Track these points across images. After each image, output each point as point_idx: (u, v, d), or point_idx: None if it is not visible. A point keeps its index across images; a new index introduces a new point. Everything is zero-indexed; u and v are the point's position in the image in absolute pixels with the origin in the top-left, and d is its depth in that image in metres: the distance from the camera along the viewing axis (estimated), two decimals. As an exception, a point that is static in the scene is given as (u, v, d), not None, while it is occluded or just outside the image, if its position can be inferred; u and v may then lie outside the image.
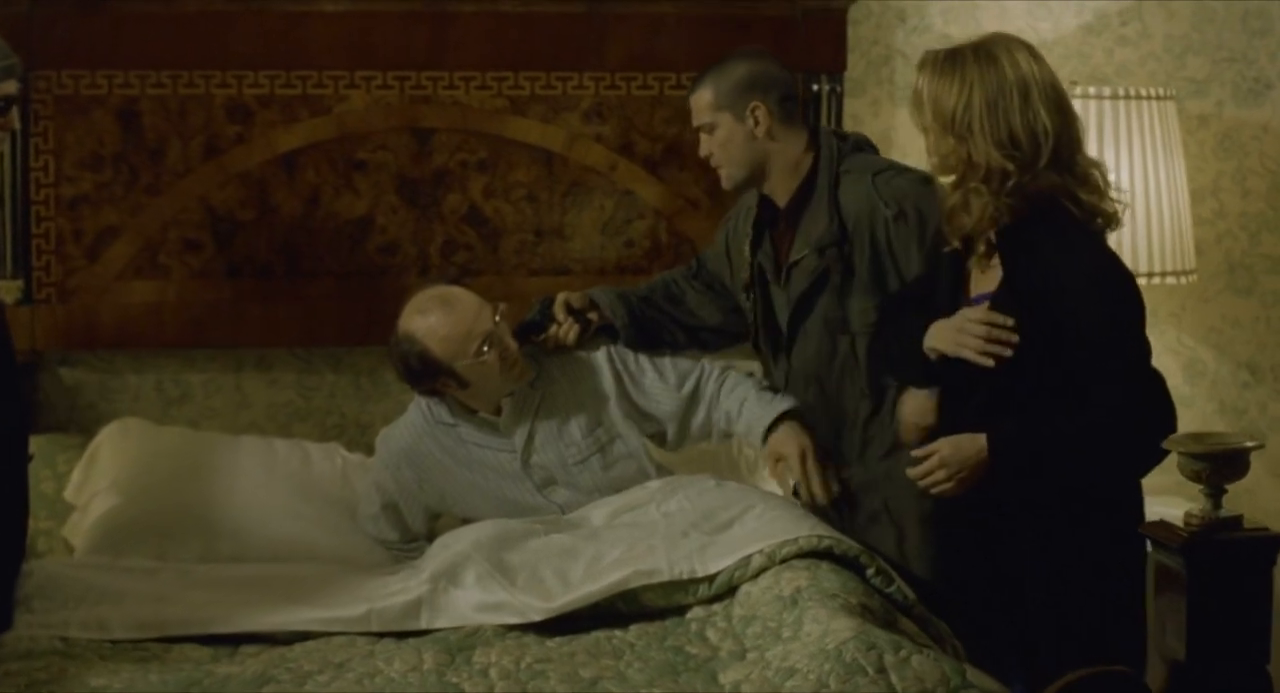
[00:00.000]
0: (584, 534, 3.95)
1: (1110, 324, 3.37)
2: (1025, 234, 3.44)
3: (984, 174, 3.42)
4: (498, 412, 4.08)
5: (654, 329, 4.25)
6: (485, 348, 3.96)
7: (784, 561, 3.70)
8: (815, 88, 4.77)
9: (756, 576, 3.69)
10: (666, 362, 4.20)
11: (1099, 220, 3.46)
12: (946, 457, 3.51)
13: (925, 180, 3.93)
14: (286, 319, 4.72)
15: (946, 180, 3.55)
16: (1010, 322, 3.40)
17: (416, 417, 4.15)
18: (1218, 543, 3.16)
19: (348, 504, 4.36)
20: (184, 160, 4.67)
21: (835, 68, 4.80)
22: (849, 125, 4.81)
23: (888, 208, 3.93)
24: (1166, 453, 3.38)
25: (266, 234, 4.71)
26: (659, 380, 4.16)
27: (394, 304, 4.65)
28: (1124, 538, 3.49)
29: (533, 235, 4.80)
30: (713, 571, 3.72)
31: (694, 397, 4.16)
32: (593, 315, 4.22)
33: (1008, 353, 3.42)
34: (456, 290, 4.08)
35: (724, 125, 4.06)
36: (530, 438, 4.10)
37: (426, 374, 4.01)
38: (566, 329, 4.17)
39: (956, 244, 3.52)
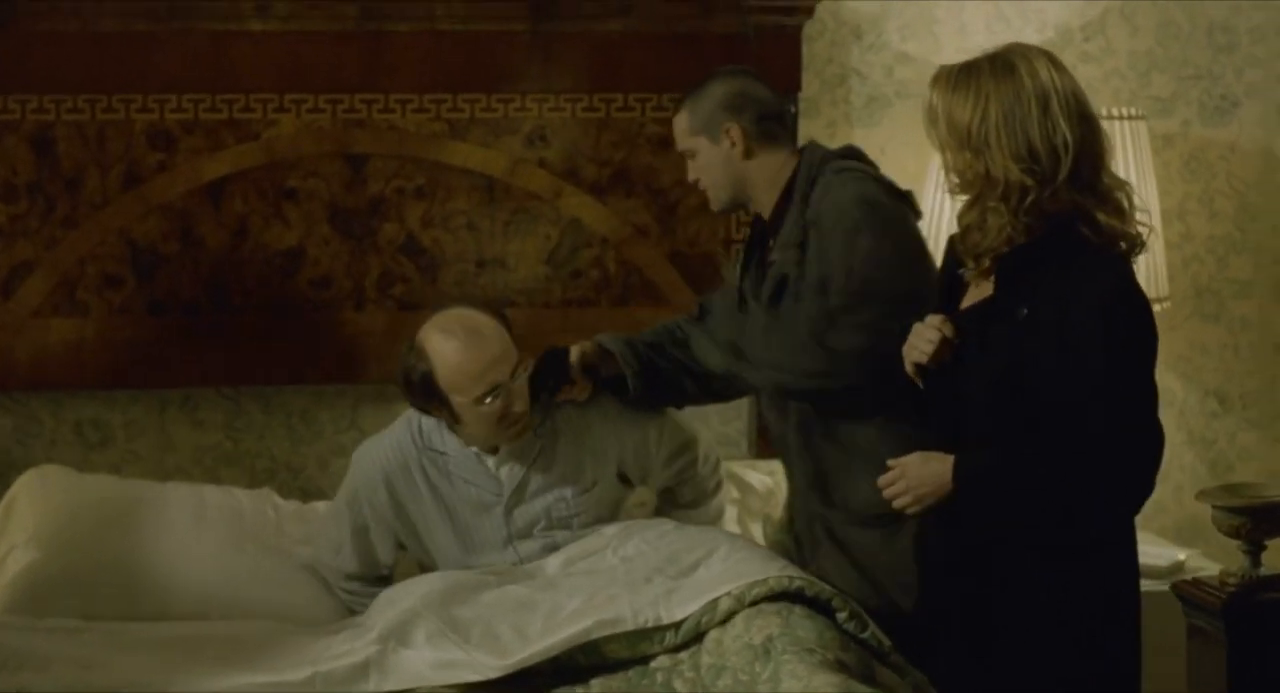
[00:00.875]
0: (539, 585, 3.76)
1: (1104, 364, 3.22)
2: (1028, 255, 3.30)
3: (1002, 190, 3.26)
4: (494, 450, 3.87)
5: (664, 379, 4.04)
6: (489, 399, 3.74)
7: (754, 603, 3.53)
8: (769, 108, 4.63)
9: (725, 620, 3.53)
10: (666, 431, 4.05)
11: (1121, 245, 3.31)
12: (911, 473, 3.35)
13: (864, 201, 3.82)
14: (213, 358, 4.52)
15: (962, 199, 3.39)
16: (953, 337, 3.30)
17: (404, 436, 3.92)
18: (1261, 604, 2.95)
19: (284, 555, 4.14)
20: (103, 190, 4.45)
21: (790, 87, 4.63)
22: (803, 148, 4.69)
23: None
24: (1134, 509, 3.26)
25: (191, 268, 4.50)
26: (654, 452, 4.03)
27: (327, 340, 4.53)
28: (1113, 583, 3.33)
29: (474, 266, 4.61)
30: (679, 616, 3.55)
31: (679, 483, 4.11)
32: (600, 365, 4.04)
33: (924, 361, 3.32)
34: (491, 325, 3.81)
35: (702, 149, 3.98)
36: (522, 486, 3.89)
37: (422, 394, 3.80)
38: (580, 390, 3.98)
39: (971, 264, 3.35)
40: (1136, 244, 3.29)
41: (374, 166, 4.54)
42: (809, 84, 4.71)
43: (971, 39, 4.80)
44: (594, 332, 4.54)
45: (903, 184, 4.70)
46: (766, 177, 3.95)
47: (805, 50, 4.67)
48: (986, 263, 3.30)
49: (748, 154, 3.95)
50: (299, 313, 4.55)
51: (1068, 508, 3.23)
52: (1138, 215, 3.29)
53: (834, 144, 4.69)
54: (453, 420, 3.81)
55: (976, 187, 3.29)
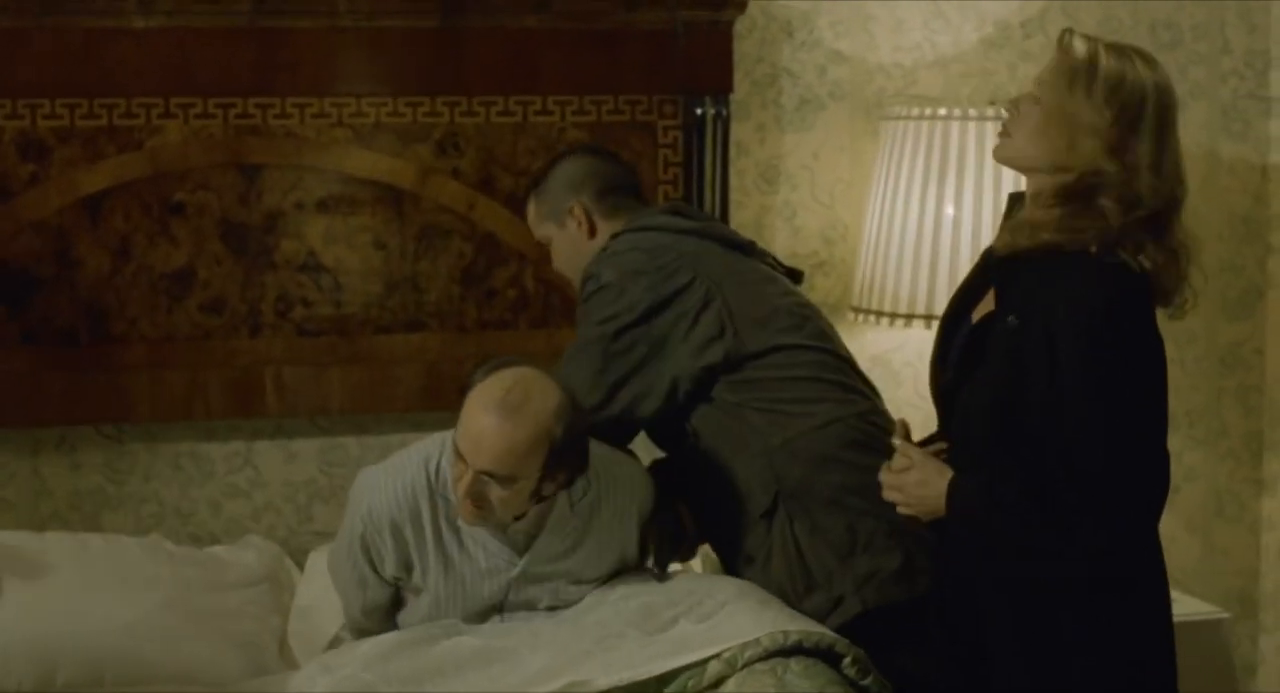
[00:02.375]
0: (494, 632, 3.45)
1: (1083, 388, 2.98)
2: (1022, 261, 3.08)
3: (1118, 193, 3.04)
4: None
5: None
6: (455, 459, 3.32)
7: (745, 666, 3.25)
8: (699, 111, 4.34)
9: (715, 684, 3.24)
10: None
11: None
12: (910, 490, 3.13)
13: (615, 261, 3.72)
14: (93, 392, 4.14)
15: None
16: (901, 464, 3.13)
17: (418, 476, 3.46)
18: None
19: (184, 608, 3.82)
20: (-34, 206, 4.07)
21: (721, 88, 4.38)
22: (732, 154, 4.44)
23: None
24: (1127, 544, 3.02)
25: (68, 293, 4.11)
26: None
27: (219, 371, 4.17)
28: (1140, 630, 3.12)
29: (381, 287, 4.27)
30: (656, 672, 3.24)
31: None
32: None
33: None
34: (538, 433, 3.28)
35: (554, 236, 3.90)
36: (541, 563, 3.49)
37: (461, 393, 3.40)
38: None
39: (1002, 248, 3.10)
40: (1169, 300, 3.10)
41: (270, 178, 4.19)
42: (737, 85, 4.43)
43: (908, 36, 4.60)
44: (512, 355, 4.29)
45: (836, 190, 4.54)
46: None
47: (734, 49, 4.40)
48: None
49: (592, 232, 3.84)
50: (188, 342, 4.18)
51: (1056, 545, 3.01)
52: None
53: (764, 149, 4.50)
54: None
55: (1085, 178, 3.03)
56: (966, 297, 3.26)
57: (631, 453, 3.71)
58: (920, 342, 4.59)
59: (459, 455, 3.29)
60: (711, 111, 4.36)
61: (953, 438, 3.17)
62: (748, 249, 3.90)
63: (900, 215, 4.29)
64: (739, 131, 4.48)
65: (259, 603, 3.99)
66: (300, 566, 4.17)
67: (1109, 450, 2.94)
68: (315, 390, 4.26)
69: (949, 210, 4.24)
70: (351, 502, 3.55)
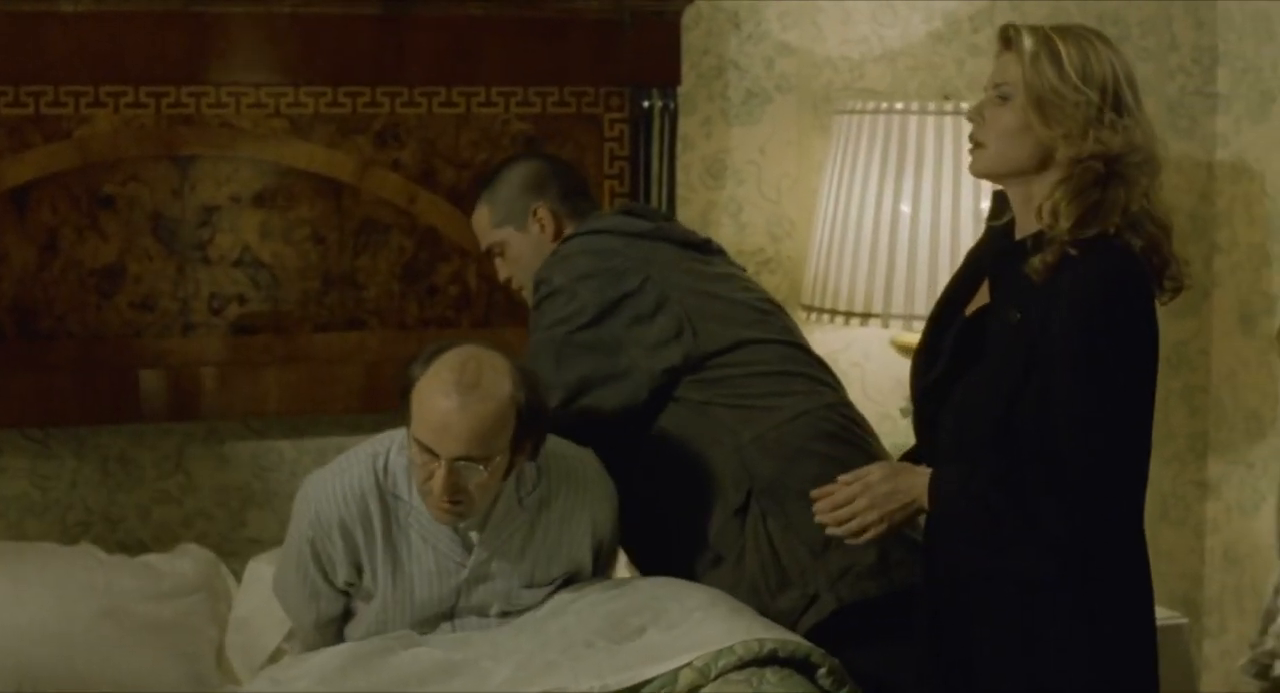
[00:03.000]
0: (453, 642, 3.33)
1: (1074, 377, 2.88)
2: (1019, 251, 3.02)
3: (1129, 173, 2.95)
4: None
5: None
6: (421, 452, 3.20)
7: (719, 675, 3.16)
8: (646, 104, 4.24)
9: (689, 693, 3.16)
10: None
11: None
12: (876, 488, 3.02)
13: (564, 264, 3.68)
14: (17, 393, 3.97)
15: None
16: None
17: (365, 475, 3.34)
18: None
19: (122, 617, 3.71)
20: (-115, 199, 3.88)
21: (668, 80, 4.28)
22: (678, 149, 4.34)
23: None
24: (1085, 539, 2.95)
25: (-9, 289, 3.96)
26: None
27: (150, 372, 4.03)
28: (1122, 627, 3.04)
29: (319, 284, 4.13)
30: (627, 683, 3.14)
31: None
32: None
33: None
34: (500, 410, 3.19)
35: (511, 241, 3.86)
36: (491, 560, 3.37)
37: (401, 399, 3.26)
38: None
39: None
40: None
41: (204, 169, 4.05)
42: (683, 78, 4.32)
43: (856, 29, 4.52)
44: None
45: (783, 186, 4.47)
46: None
47: (681, 40, 4.31)
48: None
49: (558, 235, 3.78)
50: (118, 341, 4.02)
51: (1021, 534, 2.94)
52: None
53: (710, 143, 4.42)
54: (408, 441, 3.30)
55: (1084, 161, 2.96)
56: (958, 294, 3.18)
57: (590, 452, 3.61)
58: (868, 341, 4.53)
59: (425, 451, 3.18)
60: (659, 104, 4.26)
61: (938, 437, 3.08)
62: (704, 248, 3.83)
63: (855, 212, 4.20)
64: (684, 125, 4.37)
65: (196, 613, 3.86)
66: (234, 573, 4.04)
67: (1097, 437, 2.87)
68: (250, 391, 4.11)
69: (905, 208, 4.16)
70: (296, 511, 3.43)
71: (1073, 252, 2.92)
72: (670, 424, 3.63)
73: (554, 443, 3.40)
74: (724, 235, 4.44)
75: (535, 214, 3.80)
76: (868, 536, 3.04)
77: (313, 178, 4.12)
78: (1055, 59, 2.97)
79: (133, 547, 4.10)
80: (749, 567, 3.52)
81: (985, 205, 4.07)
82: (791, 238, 4.52)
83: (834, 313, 4.23)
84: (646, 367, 3.61)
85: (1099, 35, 3.04)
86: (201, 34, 4.02)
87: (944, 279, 4.16)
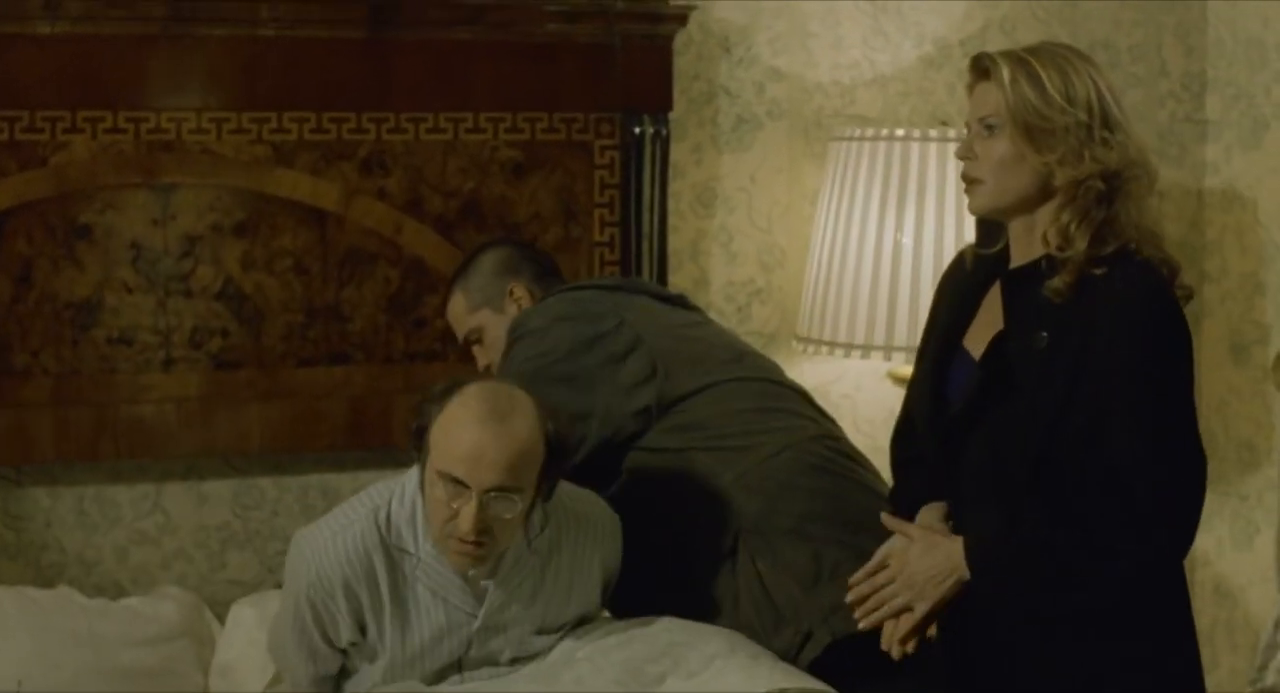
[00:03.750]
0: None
1: (1138, 393, 2.83)
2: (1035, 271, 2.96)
3: (1133, 187, 2.91)
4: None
5: None
6: (445, 486, 3.07)
7: (745, 727, 3.07)
8: (637, 131, 4.16)
9: (714, 748, 3.05)
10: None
11: None
12: (913, 566, 2.96)
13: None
14: (-10, 431, 3.83)
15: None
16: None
17: (368, 529, 3.19)
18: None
19: (105, 670, 3.58)
20: None
21: (660, 106, 4.19)
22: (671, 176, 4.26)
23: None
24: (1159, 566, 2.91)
25: (-36, 322, 3.81)
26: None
27: (128, 408, 3.90)
28: (1171, 654, 2.98)
29: (303, 316, 4.01)
30: None
31: None
32: None
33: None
34: (529, 439, 3.08)
35: (489, 324, 3.80)
36: (503, 609, 3.24)
37: (416, 437, 3.14)
38: None
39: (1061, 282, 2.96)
40: None
41: (184, 198, 3.92)
42: (674, 103, 4.25)
43: (847, 53, 4.45)
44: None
45: (774, 214, 4.42)
46: None
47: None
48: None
49: None
50: (95, 377, 3.89)
51: (1094, 566, 2.85)
52: None
53: (701, 170, 4.34)
54: (421, 486, 3.15)
55: (1088, 181, 2.90)
56: (951, 324, 3.10)
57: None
58: (860, 373, 4.45)
59: (453, 485, 3.05)
60: (650, 130, 4.18)
61: (961, 473, 3.00)
62: (677, 301, 3.81)
63: (855, 241, 4.12)
64: (674, 152, 4.28)
65: (180, 659, 3.74)
66: (217, 617, 3.91)
67: (1164, 459, 2.83)
68: (232, 428, 3.99)
69: (906, 240, 4.09)
70: (291, 569, 3.27)
71: (1096, 270, 2.87)
72: (652, 478, 3.55)
73: (568, 488, 3.31)
74: (714, 265, 4.37)
75: (512, 293, 3.77)
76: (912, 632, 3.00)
77: (296, 206, 4.00)
78: (1036, 83, 2.91)
79: (109, 590, 3.96)
80: (744, 611, 3.44)
81: (982, 234, 4.07)
82: (783, 267, 4.44)
83: (832, 345, 4.14)
84: (620, 408, 3.55)
85: (1072, 51, 3.00)
86: (182, 57, 3.90)
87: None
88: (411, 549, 3.20)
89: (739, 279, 4.39)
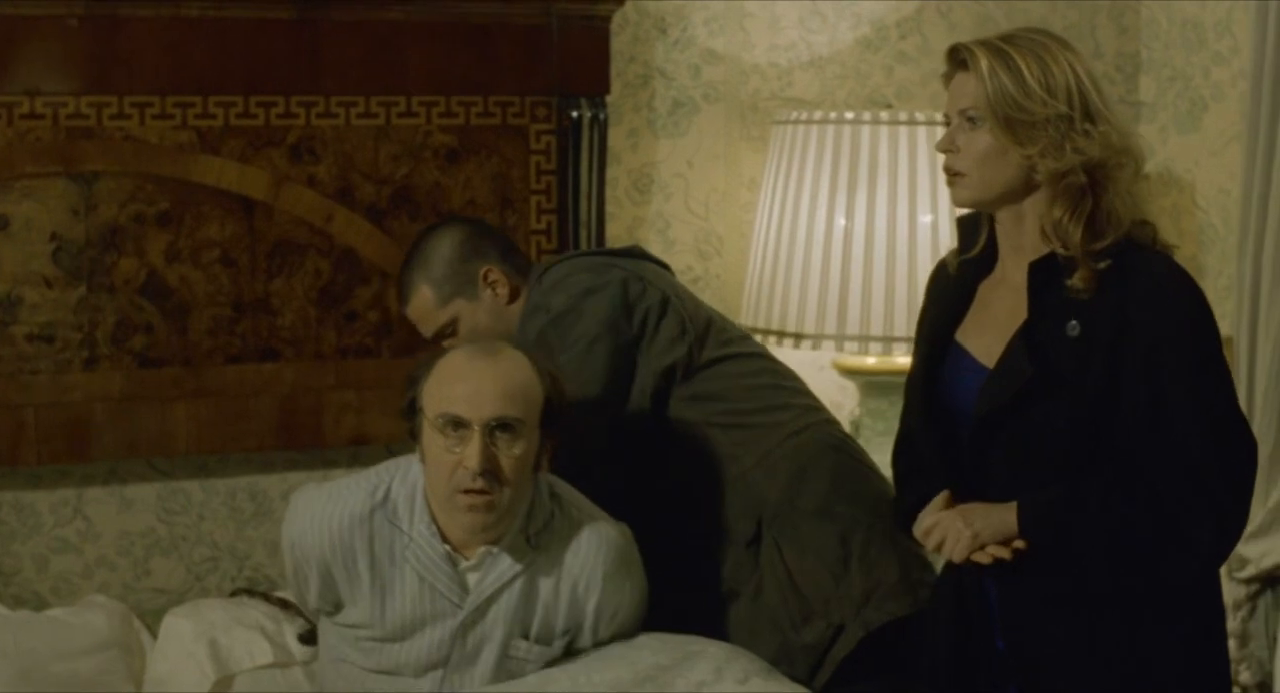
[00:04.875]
0: None
1: (1187, 371, 2.82)
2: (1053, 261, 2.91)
3: (1125, 174, 2.87)
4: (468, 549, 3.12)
5: None
6: (445, 428, 3.00)
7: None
8: (575, 115, 4.04)
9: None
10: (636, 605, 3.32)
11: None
12: (978, 521, 2.87)
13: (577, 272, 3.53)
14: (-98, 435, 3.66)
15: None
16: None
17: (360, 506, 3.12)
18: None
19: (31, 683, 3.42)
20: None
21: (597, 89, 4.09)
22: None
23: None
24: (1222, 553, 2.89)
25: (-126, 320, 3.63)
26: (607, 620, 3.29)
27: (49, 408, 3.74)
28: (1196, 644, 2.94)
29: (230, 310, 3.87)
30: None
31: None
32: None
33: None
34: (523, 367, 3.07)
35: (463, 314, 3.64)
36: (490, 602, 3.12)
37: (408, 406, 3.09)
38: None
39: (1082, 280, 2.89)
40: None
41: (106, 187, 3.76)
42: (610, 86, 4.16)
43: (784, 35, 4.37)
44: (373, 386, 3.96)
45: (710, 200, 4.34)
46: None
47: (607, 47, 4.13)
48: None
49: (514, 295, 3.61)
50: (13, 376, 3.72)
51: (1153, 544, 2.82)
52: None
53: (637, 156, 4.24)
54: (421, 458, 3.09)
55: (1074, 172, 2.85)
56: (947, 318, 3.04)
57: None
58: (801, 363, 4.35)
59: (454, 426, 3.00)
60: (588, 115, 4.07)
61: (990, 467, 2.92)
62: (670, 271, 3.73)
63: (804, 228, 4.04)
64: (611, 136, 4.17)
65: (111, 672, 3.58)
66: (145, 626, 3.75)
67: (1228, 442, 2.83)
68: (156, 429, 3.84)
69: (858, 226, 4.00)
70: (286, 520, 3.22)
71: (1107, 263, 2.84)
72: (670, 461, 3.47)
73: (586, 502, 3.24)
74: (651, 253, 4.26)
75: (486, 278, 3.60)
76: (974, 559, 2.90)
77: (223, 195, 3.86)
78: (1015, 75, 2.86)
79: (29, 600, 3.82)
80: (767, 600, 3.37)
81: (927, 219, 4.01)
82: (720, 255, 4.35)
83: (781, 335, 4.05)
84: (655, 364, 3.46)
85: (1051, 38, 2.95)
86: (102, 38, 3.74)
87: (886, 297, 4.05)
88: (405, 527, 3.12)
89: (676, 268, 4.23)
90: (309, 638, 3.52)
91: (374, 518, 3.12)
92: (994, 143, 2.87)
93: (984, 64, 2.88)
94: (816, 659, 3.29)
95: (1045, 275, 2.89)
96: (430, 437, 3.02)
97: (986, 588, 2.97)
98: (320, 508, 3.14)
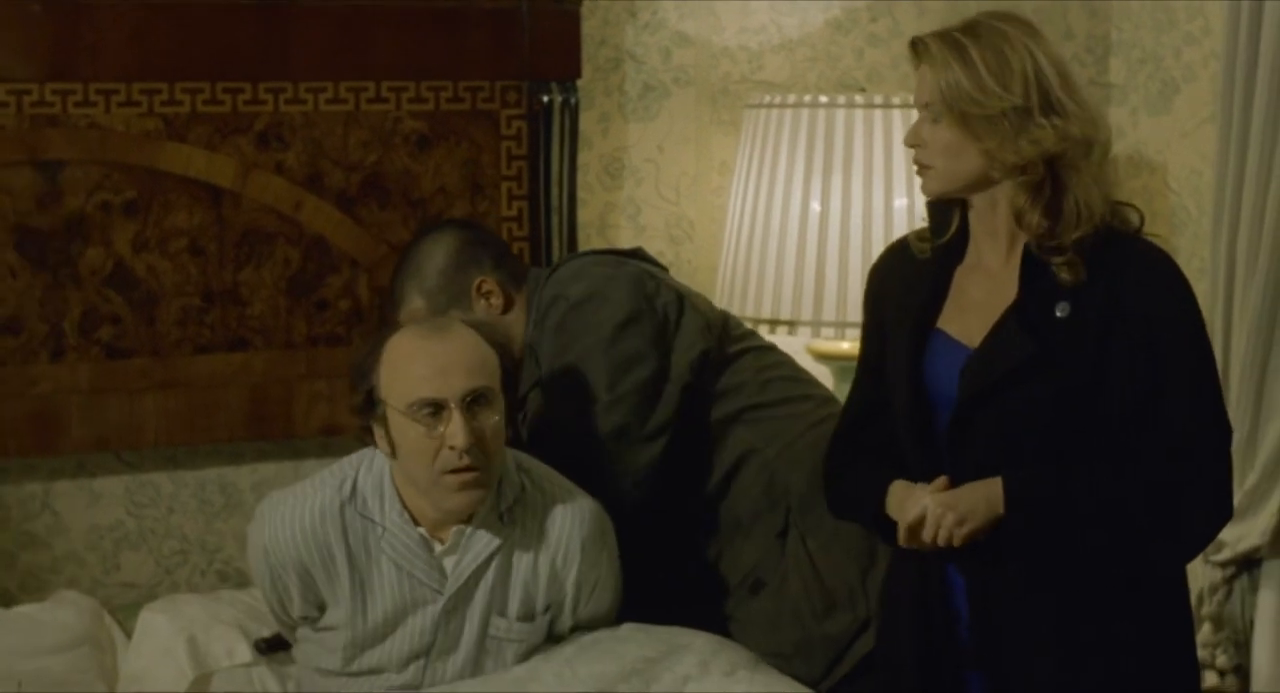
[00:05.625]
0: None
1: (1176, 355, 2.84)
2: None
3: (1087, 163, 2.86)
4: (442, 534, 3.11)
5: None
6: (421, 412, 2.98)
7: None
8: (546, 99, 4.02)
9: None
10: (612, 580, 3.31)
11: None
12: (964, 503, 2.85)
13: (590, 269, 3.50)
14: None
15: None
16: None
17: (330, 502, 3.11)
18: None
19: (6, 683, 3.36)
20: None
21: (568, 74, 4.06)
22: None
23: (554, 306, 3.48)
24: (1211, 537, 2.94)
25: None
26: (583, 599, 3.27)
27: (15, 401, 3.70)
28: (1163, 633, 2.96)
29: (199, 300, 3.83)
30: None
31: None
32: None
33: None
34: (471, 337, 3.06)
35: None
36: (471, 584, 3.11)
37: (365, 405, 3.07)
38: None
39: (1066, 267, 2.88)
40: None
41: (71, 176, 3.72)
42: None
43: (754, 18, 4.34)
44: (345, 375, 3.91)
45: (682, 185, 4.31)
46: (524, 322, 3.55)
47: (577, 30, 4.10)
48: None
49: (508, 304, 3.55)
50: (-21, 368, 3.68)
51: (1144, 526, 2.83)
52: None
53: (607, 141, 4.22)
54: (390, 452, 3.05)
55: (1035, 165, 2.85)
56: (926, 305, 3.02)
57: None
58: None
59: (428, 409, 2.98)
60: (559, 99, 4.04)
61: (974, 451, 2.91)
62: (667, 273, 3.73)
63: (778, 212, 4.02)
64: (582, 121, 4.13)
65: (83, 669, 3.54)
66: (116, 622, 3.71)
67: (1217, 423, 2.86)
68: (125, 421, 3.79)
69: (834, 209, 3.99)
70: (251, 530, 3.19)
71: (1090, 252, 2.85)
72: (699, 453, 3.46)
73: (556, 475, 3.24)
74: (623, 238, 4.25)
75: (480, 288, 3.54)
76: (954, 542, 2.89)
77: (190, 183, 3.81)
78: (968, 66, 2.86)
79: (-2, 596, 3.78)
80: (792, 591, 3.37)
81: (901, 202, 4.00)
82: (691, 240, 4.33)
83: (756, 321, 4.03)
84: (684, 358, 3.44)
85: (1013, 24, 2.94)
86: (66, 23, 3.70)
87: (861, 282, 4.03)
88: (377, 518, 3.10)
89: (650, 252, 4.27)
90: (265, 648, 3.49)
91: (344, 513, 3.10)
92: (955, 136, 2.88)
93: (938, 58, 2.88)
94: (838, 653, 3.30)
95: (1034, 258, 2.88)
96: (403, 427, 3.00)
97: (952, 580, 2.97)
98: (289, 510, 3.11)
